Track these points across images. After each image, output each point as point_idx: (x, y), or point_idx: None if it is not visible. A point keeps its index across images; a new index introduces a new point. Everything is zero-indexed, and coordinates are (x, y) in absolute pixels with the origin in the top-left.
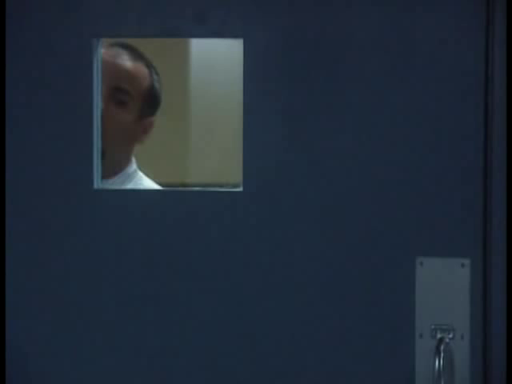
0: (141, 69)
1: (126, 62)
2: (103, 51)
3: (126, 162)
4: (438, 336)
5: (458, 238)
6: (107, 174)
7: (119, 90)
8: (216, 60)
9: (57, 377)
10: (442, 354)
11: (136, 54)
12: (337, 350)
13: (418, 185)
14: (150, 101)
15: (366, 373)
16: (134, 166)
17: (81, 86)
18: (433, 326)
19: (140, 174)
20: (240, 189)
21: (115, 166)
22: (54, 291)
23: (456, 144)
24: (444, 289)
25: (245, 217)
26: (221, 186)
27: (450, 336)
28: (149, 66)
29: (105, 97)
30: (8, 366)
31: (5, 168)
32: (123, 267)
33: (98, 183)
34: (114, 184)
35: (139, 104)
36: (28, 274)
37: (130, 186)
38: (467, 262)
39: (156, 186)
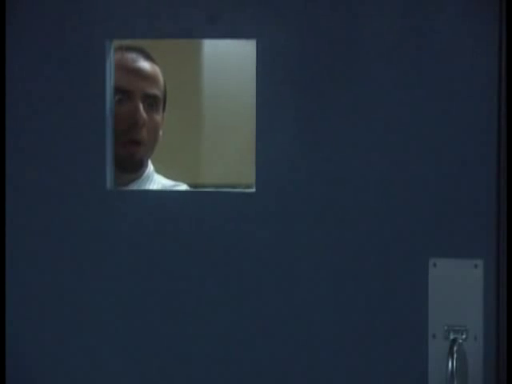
0: (156, 69)
1: (146, 66)
2: (121, 56)
3: (147, 163)
4: (451, 337)
5: (470, 239)
6: (136, 176)
7: (149, 95)
8: (229, 61)
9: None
10: (455, 355)
11: (147, 55)
12: (349, 351)
13: (430, 186)
14: (165, 97)
15: (379, 373)
16: (151, 166)
17: (93, 88)
18: (446, 327)
19: (155, 174)
20: (253, 190)
21: (143, 168)
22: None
23: (469, 144)
24: (457, 290)
25: (257, 218)
26: (233, 186)
27: (463, 337)
28: (157, 63)
29: (139, 103)
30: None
31: (19, 169)
32: (135, 268)
33: (110, 184)
34: (140, 185)
35: (162, 103)
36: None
37: (151, 185)
38: (480, 262)
39: (171, 183)
